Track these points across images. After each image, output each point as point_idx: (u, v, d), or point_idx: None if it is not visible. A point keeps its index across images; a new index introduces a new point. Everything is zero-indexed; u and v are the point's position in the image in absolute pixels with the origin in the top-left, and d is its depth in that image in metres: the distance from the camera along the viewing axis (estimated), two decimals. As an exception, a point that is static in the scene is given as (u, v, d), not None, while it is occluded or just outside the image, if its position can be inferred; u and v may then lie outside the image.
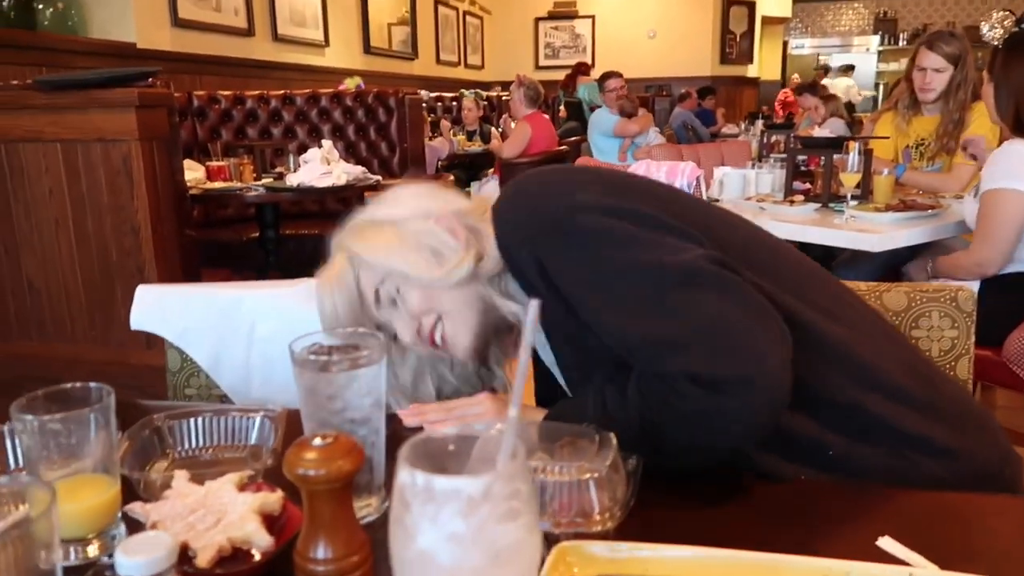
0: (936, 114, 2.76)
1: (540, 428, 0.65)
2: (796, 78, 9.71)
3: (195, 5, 4.33)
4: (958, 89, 2.56)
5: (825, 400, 0.79)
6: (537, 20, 10.14)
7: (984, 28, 8.45)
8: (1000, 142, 2.12)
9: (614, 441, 0.65)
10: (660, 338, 0.73)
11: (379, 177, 3.57)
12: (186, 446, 0.75)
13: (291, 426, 0.73)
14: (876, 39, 10.70)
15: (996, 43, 2.26)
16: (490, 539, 0.38)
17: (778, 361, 0.71)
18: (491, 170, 5.61)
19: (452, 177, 3.82)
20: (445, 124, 5.83)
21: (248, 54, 4.91)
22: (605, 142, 5.68)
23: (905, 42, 10.39)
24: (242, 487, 0.62)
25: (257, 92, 4.28)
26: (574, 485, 0.59)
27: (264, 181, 3.32)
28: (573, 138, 6.51)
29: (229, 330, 1.04)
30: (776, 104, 9.17)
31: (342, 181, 3.22)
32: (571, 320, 0.81)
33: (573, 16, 10.01)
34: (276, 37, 5.19)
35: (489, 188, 5.43)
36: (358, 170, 3.44)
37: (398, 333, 0.91)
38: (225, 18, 4.63)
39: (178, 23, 4.19)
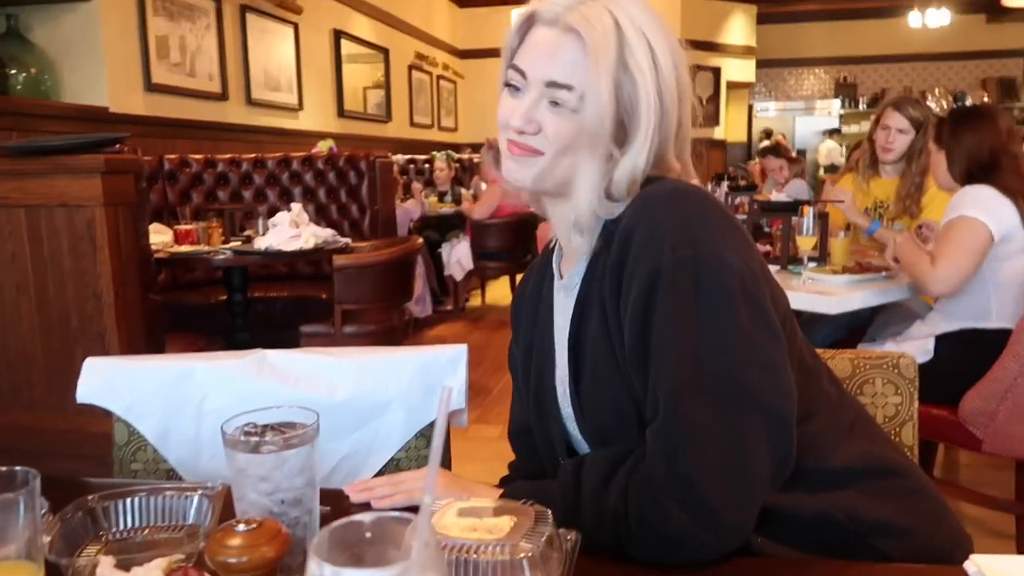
0: (895, 176, 2.86)
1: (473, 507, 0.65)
2: (782, 138, 9.95)
3: (169, 71, 4.38)
4: (920, 154, 2.67)
5: (797, 488, 0.81)
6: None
7: (930, 102, 9.14)
8: None
9: (551, 517, 0.65)
10: (697, 438, 0.73)
11: (348, 240, 3.59)
12: (120, 527, 0.73)
13: (230, 504, 0.72)
14: (837, 103, 11.08)
15: (940, 115, 2.41)
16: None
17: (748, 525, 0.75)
18: (462, 231, 5.67)
19: (421, 239, 3.84)
20: (417, 187, 5.90)
21: (222, 118, 4.96)
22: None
23: (865, 106, 10.76)
24: (170, 572, 0.61)
25: (229, 155, 4.32)
26: (507, 564, 0.59)
27: (232, 244, 3.31)
28: (544, 199, 6.61)
29: (179, 403, 1.03)
30: (754, 168, 9.39)
31: (310, 244, 3.23)
32: (608, 348, 0.83)
33: (544, 81, 10.25)
34: (250, 101, 5.25)
35: (460, 250, 5.47)
36: (327, 233, 3.46)
37: (515, 108, 0.87)
38: (199, 83, 4.68)
39: (151, 88, 4.23)
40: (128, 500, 0.73)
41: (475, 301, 6.30)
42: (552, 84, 0.86)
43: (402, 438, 1.10)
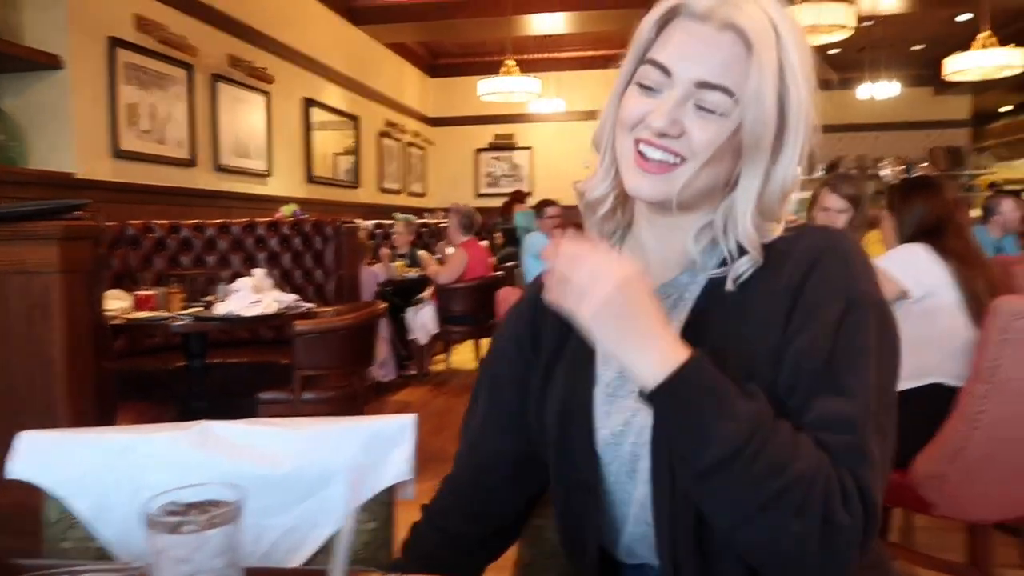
0: None
1: None
2: None
3: (138, 137, 4.41)
4: (858, 229, 2.76)
5: None
6: (478, 151, 10.57)
7: (881, 171, 9.74)
8: None
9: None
10: (875, 465, 0.72)
11: (312, 305, 3.58)
12: (39, 611, 0.71)
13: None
14: (796, 170, 11.42)
15: (892, 183, 2.53)
16: None
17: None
18: (427, 295, 5.68)
19: (384, 304, 3.84)
20: (385, 252, 5.93)
21: (190, 183, 4.97)
22: (536, 265, 5.84)
23: (822, 171, 11.09)
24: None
25: (193, 221, 4.32)
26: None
27: (192, 310, 3.29)
28: (510, 263, 6.67)
29: (116, 478, 1.01)
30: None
31: (271, 310, 3.22)
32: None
33: (512, 148, 10.48)
34: (218, 167, 5.28)
35: (425, 314, 5.47)
36: (290, 298, 3.45)
37: (655, 107, 0.79)
38: (168, 149, 4.71)
39: (119, 154, 4.25)
40: (47, 582, 0.71)
41: (440, 365, 6.27)
42: (704, 85, 0.78)
43: (346, 512, 1.08)
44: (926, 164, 10.61)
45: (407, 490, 1.14)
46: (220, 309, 3.20)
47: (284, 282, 4.34)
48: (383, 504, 1.11)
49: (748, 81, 0.77)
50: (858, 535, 0.67)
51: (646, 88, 0.81)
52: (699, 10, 0.80)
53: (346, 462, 1.08)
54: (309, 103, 6.70)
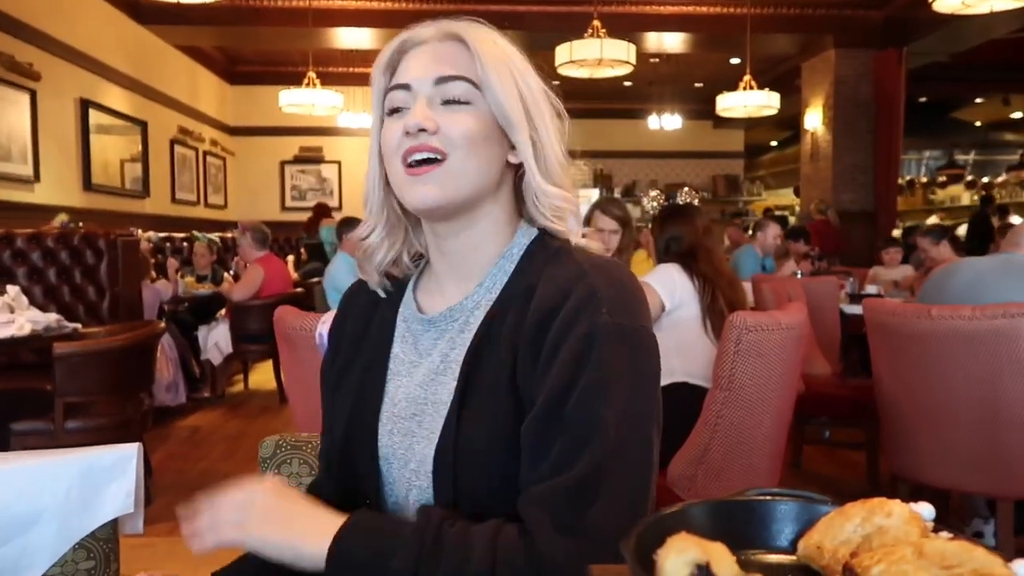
0: None
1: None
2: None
3: None
4: (627, 247, 2.99)
5: None
6: (283, 163, 10.22)
7: (644, 202, 10.92)
8: None
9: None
10: (605, 495, 0.72)
11: (78, 325, 3.28)
12: None
13: None
14: (596, 191, 12.13)
15: (654, 211, 2.83)
16: None
17: None
18: (222, 312, 5.38)
19: (163, 324, 3.59)
20: (172, 263, 5.55)
21: (-69, 188, 4.38)
22: (336, 296, 5.72)
23: (620, 194, 11.86)
24: None
25: (-66, 231, 3.80)
26: None
27: (-75, 332, 2.89)
28: (314, 279, 6.48)
29: None
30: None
31: (25, 331, 2.91)
32: (510, 419, 0.77)
33: (319, 160, 10.23)
34: (-30, 171, 4.70)
35: (218, 333, 5.19)
36: (50, 318, 3.14)
37: (410, 116, 0.81)
38: (-99, 149, 4.12)
39: None
40: None
41: (238, 387, 5.95)
42: (443, 80, 0.82)
43: (55, 553, 0.99)
44: (699, 193, 11.66)
45: (135, 524, 1.07)
46: (-40, 331, 2.84)
47: (48, 300, 3.93)
48: (102, 541, 1.03)
49: (482, 70, 0.82)
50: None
51: (396, 112, 0.84)
52: (420, 38, 0.86)
53: (57, 499, 0.99)
54: (86, 104, 6.14)
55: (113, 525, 1.04)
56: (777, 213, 12.05)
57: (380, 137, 0.87)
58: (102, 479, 1.02)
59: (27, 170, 5.31)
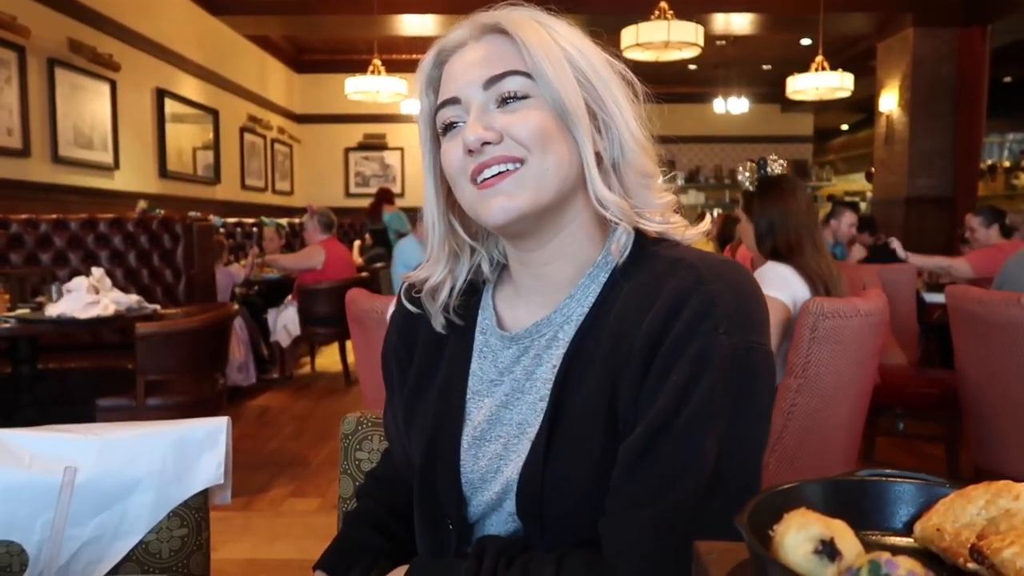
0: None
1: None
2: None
3: (-42, 123, 4.03)
4: None
5: None
6: (348, 150, 10.38)
7: (738, 175, 10.15)
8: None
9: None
10: (671, 523, 0.67)
11: (157, 306, 3.40)
12: None
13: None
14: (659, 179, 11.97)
15: (748, 187, 2.47)
16: None
17: None
18: (289, 296, 5.52)
19: (236, 306, 3.70)
20: (255, 250, 5.75)
21: (22, 175, 4.59)
22: (404, 271, 5.79)
23: (683, 180, 11.67)
24: None
25: (24, 216, 3.99)
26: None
27: (19, 312, 3.04)
28: (378, 264, 6.59)
29: None
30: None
31: (110, 312, 3.03)
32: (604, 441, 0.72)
33: (383, 147, 10.36)
34: (57, 159, 4.91)
35: (287, 316, 5.32)
36: (132, 299, 3.25)
37: (466, 131, 0.74)
38: (-6, 138, 4.33)
39: (-65, 141, 3.86)
40: None
41: (305, 368, 6.10)
42: (492, 80, 0.75)
43: (152, 519, 1.04)
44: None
45: (223, 495, 1.10)
46: (52, 311, 2.97)
47: (129, 282, 4.09)
48: (194, 510, 1.07)
49: (531, 58, 0.74)
50: None
51: (451, 129, 0.77)
52: (454, 42, 0.79)
53: (152, 468, 1.03)
54: (162, 93, 6.35)
55: (204, 495, 1.08)
56: (848, 200, 11.72)
57: (436, 162, 0.81)
58: (194, 450, 1.06)
59: (108, 158, 5.52)
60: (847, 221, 5.18)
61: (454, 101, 0.77)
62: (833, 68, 6.62)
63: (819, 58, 6.55)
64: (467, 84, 0.76)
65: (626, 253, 0.77)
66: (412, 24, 7.66)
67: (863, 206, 10.62)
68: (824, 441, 2.10)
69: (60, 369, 3.53)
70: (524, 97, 0.74)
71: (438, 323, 0.87)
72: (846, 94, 6.92)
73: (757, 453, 0.72)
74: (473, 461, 0.81)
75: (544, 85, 0.74)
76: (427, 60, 0.81)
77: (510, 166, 0.74)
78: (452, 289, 0.85)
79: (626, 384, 0.72)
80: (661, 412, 0.69)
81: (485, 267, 0.88)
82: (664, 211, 0.80)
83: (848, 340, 2.04)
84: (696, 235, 0.82)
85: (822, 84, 6.62)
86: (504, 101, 0.75)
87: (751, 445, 0.71)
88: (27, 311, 3.06)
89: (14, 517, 0.98)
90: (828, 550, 0.38)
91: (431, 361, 0.88)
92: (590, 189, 0.76)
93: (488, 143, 0.73)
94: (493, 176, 0.74)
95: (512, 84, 0.74)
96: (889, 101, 7.85)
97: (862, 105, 9.68)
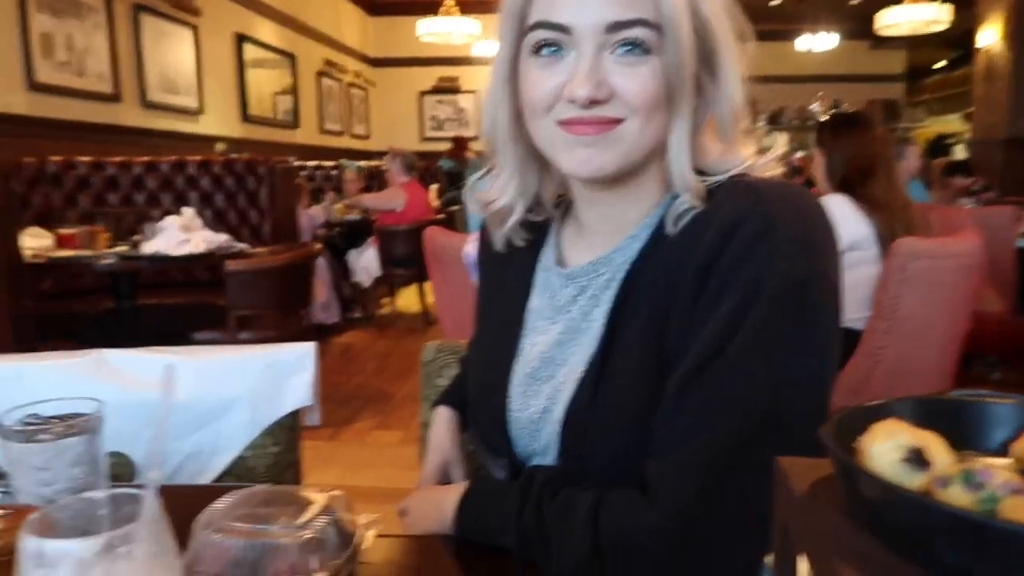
0: None
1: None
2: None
3: (55, 69, 4.20)
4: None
5: None
6: (422, 93, 10.39)
7: (813, 108, 10.02)
8: None
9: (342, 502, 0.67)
10: (721, 465, 0.64)
11: (245, 245, 3.53)
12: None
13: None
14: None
15: (822, 120, 2.38)
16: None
17: None
18: (370, 239, 5.63)
19: (319, 245, 3.81)
20: (331, 195, 5.88)
21: (114, 120, 4.78)
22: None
23: (764, 122, 11.24)
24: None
25: (119, 158, 4.17)
26: (290, 548, 0.61)
27: (118, 249, 3.21)
28: (455, 207, 6.64)
29: (5, 405, 1.00)
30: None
31: (200, 249, 3.16)
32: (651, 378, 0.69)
33: (456, 91, 10.32)
34: (145, 103, 5.09)
35: (367, 257, 5.44)
36: (221, 238, 3.39)
37: (569, 75, 0.68)
38: (88, 83, 4.51)
39: (34, 87, 4.05)
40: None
41: (386, 308, 6.26)
42: (616, 26, 0.67)
43: (247, 437, 1.10)
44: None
45: (312, 416, 1.16)
46: (147, 248, 3.13)
47: (218, 222, 4.25)
48: (286, 429, 1.12)
49: (665, 5, 0.67)
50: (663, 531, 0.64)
51: (546, 55, 0.70)
52: None
53: (246, 389, 1.09)
54: (241, 39, 6.46)
55: (295, 416, 1.13)
56: (945, 142, 11.06)
57: (513, 73, 0.74)
58: (285, 372, 1.11)
59: (193, 102, 5.69)
60: (915, 154, 4.89)
61: (562, 28, 0.68)
62: (931, -1, 6.20)
63: (917, -13, 6.14)
64: (586, 17, 0.67)
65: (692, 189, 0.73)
66: (487, -38, 7.52)
67: (960, 148, 10.02)
68: (912, 387, 2.04)
69: (157, 304, 3.71)
70: (647, 52, 0.68)
71: (500, 244, 0.85)
72: (943, 27, 6.48)
73: (820, 391, 0.67)
74: (521, 398, 0.80)
75: (669, 43, 0.67)
76: None
77: (609, 131, 0.69)
78: (520, 212, 0.82)
79: (678, 314, 0.68)
80: (710, 342, 0.65)
81: (547, 202, 0.84)
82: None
83: (939, 282, 1.96)
84: (766, 163, 0.76)
85: (916, 17, 6.22)
86: (623, 48, 0.68)
87: (811, 381, 0.66)
88: (125, 248, 3.23)
89: (119, 431, 1.05)
90: (917, 458, 0.37)
91: (497, 286, 0.89)
92: (674, 162, 0.71)
93: (596, 101, 0.68)
94: (585, 125, 0.69)
95: (638, 33, 0.67)
96: (991, 35, 7.30)
97: (960, 41, 9.03)
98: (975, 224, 3.25)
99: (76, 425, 0.61)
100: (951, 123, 12.43)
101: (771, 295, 0.64)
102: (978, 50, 7.49)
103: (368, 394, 3.99)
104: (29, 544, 0.39)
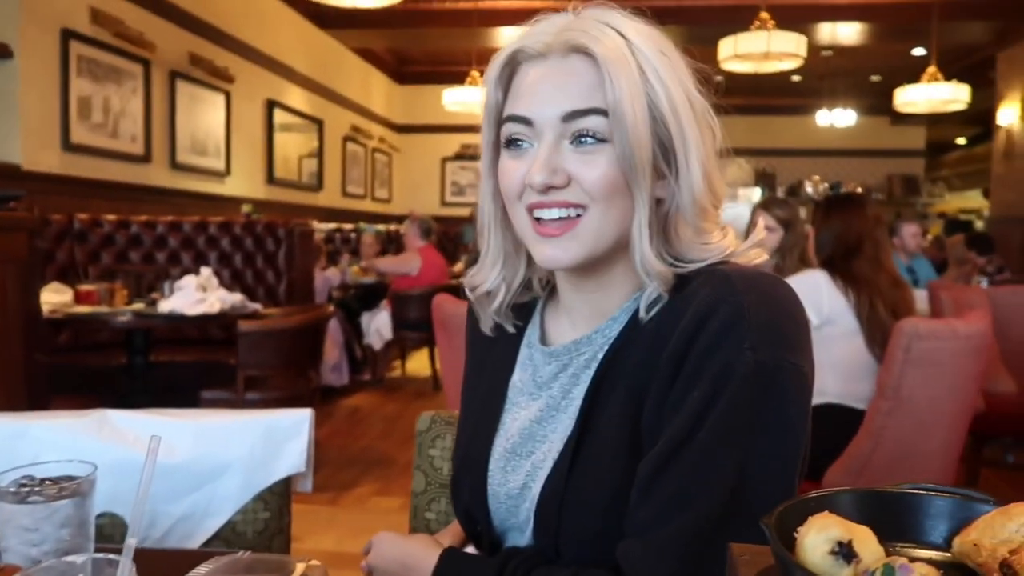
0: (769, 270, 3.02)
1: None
2: None
3: (90, 131, 4.37)
4: (791, 250, 2.82)
5: None
6: (444, 160, 10.62)
7: (807, 189, 10.36)
8: None
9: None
10: (689, 541, 0.65)
11: (259, 306, 3.59)
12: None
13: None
14: (757, 190, 11.66)
15: (817, 200, 2.52)
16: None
17: None
18: (384, 301, 5.69)
19: (332, 307, 3.86)
20: (347, 257, 5.97)
21: (144, 180, 4.94)
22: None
23: (784, 193, 11.32)
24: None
25: (144, 217, 4.29)
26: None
27: (135, 306, 3.27)
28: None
29: (9, 461, 1.03)
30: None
31: (215, 309, 3.22)
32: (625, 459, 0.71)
33: (478, 158, 10.48)
34: (174, 164, 5.25)
35: (380, 319, 5.49)
36: (236, 298, 3.45)
37: (529, 164, 0.72)
38: (121, 144, 4.68)
39: (69, 147, 4.21)
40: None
41: (396, 372, 6.27)
42: (571, 116, 0.71)
43: (239, 501, 1.11)
44: (872, 194, 10.96)
45: (305, 483, 1.17)
46: (164, 306, 3.19)
47: (234, 282, 4.33)
48: (277, 495, 1.14)
49: (614, 97, 0.69)
50: None
51: (515, 147, 0.75)
52: (537, 49, 0.74)
53: (242, 453, 1.11)
54: (271, 104, 6.69)
55: (287, 482, 1.15)
56: (962, 218, 11.09)
57: (494, 165, 0.79)
58: (280, 438, 1.13)
59: (220, 164, 5.86)
60: (909, 232, 4.85)
61: (525, 121, 0.74)
62: (947, 79, 6.30)
63: (932, 68, 6.25)
64: (544, 109, 0.72)
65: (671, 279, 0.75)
66: (510, 36, 7.75)
67: (979, 224, 10.03)
68: (914, 468, 2.01)
69: (170, 361, 3.77)
70: (601, 140, 0.71)
71: (487, 327, 0.88)
72: (961, 106, 6.58)
73: (787, 476, 0.68)
74: (500, 473, 0.82)
75: (620, 133, 0.70)
76: (502, 57, 0.78)
77: (571, 212, 0.72)
78: (504, 296, 0.85)
79: (652, 400, 0.70)
80: (679, 429, 0.67)
81: (536, 283, 0.87)
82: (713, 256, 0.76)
83: (945, 363, 1.95)
84: (747, 249, 0.79)
85: (935, 96, 6.32)
86: (579, 140, 0.72)
87: (778, 467, 0.68)
88: (142, 306, 3.30)
89: (116, 491, 1.07)
90: (845, 552, 0.38)
91: (484, 361, 0.91)
92: (636, 249, 0.73)
93: (554, 187, 0.72)
94: (552, 220, 0.73)
95: (591, 123, 0.71)
96: (1010, 114, 7.40)
97: (979, 118, 9.15)
98: (988, 303, 3.24)
99: (68, 488, 0.63)
100: (970, 199, 12.47)
101: (739, 383, 0.66)
102: (998, 128, 7.58)
103: (372, 458, 3.98)
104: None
